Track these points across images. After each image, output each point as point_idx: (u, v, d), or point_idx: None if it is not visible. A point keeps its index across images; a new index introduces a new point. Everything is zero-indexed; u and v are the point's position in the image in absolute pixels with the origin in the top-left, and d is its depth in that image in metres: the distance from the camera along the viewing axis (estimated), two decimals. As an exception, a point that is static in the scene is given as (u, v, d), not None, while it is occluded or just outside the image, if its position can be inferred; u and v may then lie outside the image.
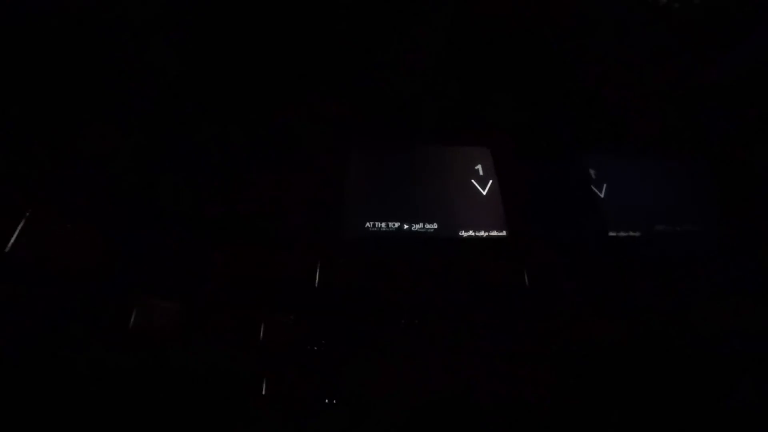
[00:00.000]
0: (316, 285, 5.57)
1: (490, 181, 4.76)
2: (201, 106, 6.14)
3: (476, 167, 4.88)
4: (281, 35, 5.93)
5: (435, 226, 4.52)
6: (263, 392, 4.37)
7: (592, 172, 5.00)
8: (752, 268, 4.75)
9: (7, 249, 4.22)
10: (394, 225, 4.54)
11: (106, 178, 5.05)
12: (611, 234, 4.69)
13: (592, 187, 4.84)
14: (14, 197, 4.31)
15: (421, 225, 4.52)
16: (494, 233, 4.53)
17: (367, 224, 4.59)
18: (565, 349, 4.27)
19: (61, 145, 4.73)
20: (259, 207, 6.21)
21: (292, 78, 6.51)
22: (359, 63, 6.73)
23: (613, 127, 5.68)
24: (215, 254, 5.87)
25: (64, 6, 4.25)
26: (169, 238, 5.73)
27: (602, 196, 4.83)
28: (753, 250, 4.78)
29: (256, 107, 6.54)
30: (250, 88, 6.37)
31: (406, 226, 4.52)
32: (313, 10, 5.86)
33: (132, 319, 5.41)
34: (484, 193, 4.68)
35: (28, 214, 4.30)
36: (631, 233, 4.70)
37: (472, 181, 4.76)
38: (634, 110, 5.54)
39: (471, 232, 4.52)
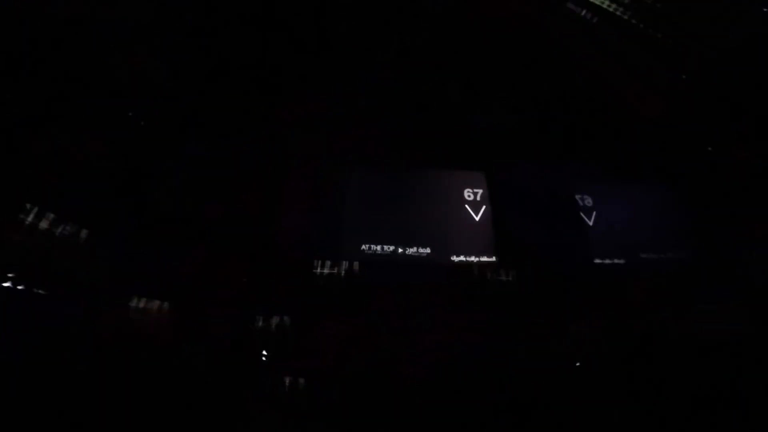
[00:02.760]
0: (312, 289, 5.78)
1: (483, 207, 4.86)
2: (200, 108, 6.08)
3: (470, 193, 4.96)
4: (281, 37, 5.79)
5: (428, 250, 4.68)
6: (262, 392, 4.63)
7: (581, 197, 5.11)
8: (746, 272, 4.93)
9: (7, 249, 4.35)
10: (389, 248, 4.69)
11: (104, 178, 5.10)
12: (597, 261, 4.89)
13: (581, 214, 4.97)
14: (14, 197, 4.40)
15: (414, 249, 4.67)
16: (485, 258, 4.70)
17: (363, 247, 4.74)
18: (563, 351, 4.53)
19: (60, 146, 4.76)
20: (257, 210, 6.30)
21: (291, 78, 6.41)
22: (359, 63, 6.61)
23: (609, 129, 5.69)
24: (214, 256, 6.02)
25: (65, 10, 4.19)
26: (169, 240, 5.84)
27: (591, 224, 4.98)
28: (749, 253, 4.95)
29: (256, 107, 6.47)
30: (248, 89, 6.29)
31: (400, 250, 4.68)
32: (314, 12, 5.70)
33: (131, 320, 5.58)
34: (477, 218, 4.81)
35: (28, 214, 4.40)
36: (617, 260, 4.91)
37: (466, 206, 4.86)
38: (634, 110, 5.54)
39: (462, 257, 4.69)
